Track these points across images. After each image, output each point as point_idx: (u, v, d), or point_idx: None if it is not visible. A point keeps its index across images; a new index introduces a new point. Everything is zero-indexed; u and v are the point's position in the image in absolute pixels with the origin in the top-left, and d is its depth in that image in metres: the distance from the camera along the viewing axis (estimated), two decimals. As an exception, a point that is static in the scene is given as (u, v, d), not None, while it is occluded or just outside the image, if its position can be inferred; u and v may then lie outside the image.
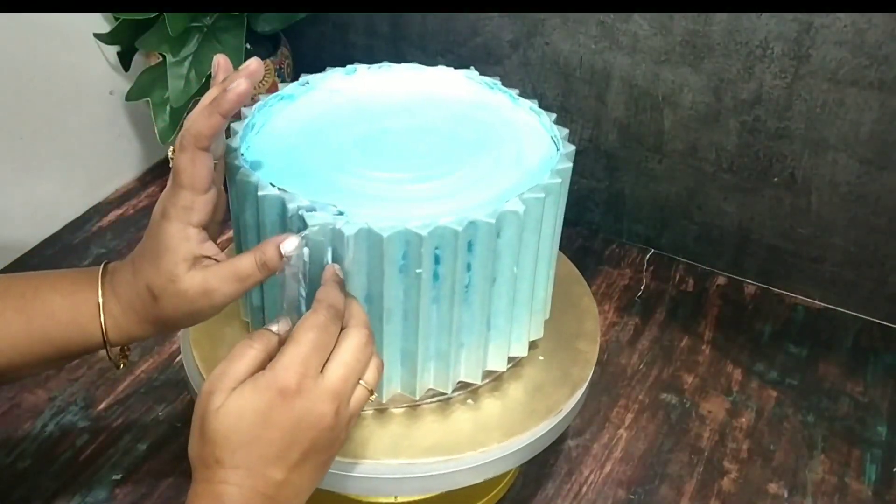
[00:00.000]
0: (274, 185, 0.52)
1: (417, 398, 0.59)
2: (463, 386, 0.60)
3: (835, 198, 0.87)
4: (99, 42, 0.95)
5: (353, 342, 0.48)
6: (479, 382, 0.60)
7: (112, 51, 0.97)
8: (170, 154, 0.51)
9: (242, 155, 0.55)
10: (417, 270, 0.52)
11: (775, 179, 0.89)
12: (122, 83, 0.99)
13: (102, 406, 0.78)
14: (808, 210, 0.89)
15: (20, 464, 0.72)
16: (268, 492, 0.46)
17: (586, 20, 0.89)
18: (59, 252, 0.95)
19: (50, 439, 0.74)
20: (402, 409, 0.60)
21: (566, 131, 0.60)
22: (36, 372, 0.56)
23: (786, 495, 0.73)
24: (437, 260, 0.52)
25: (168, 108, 0.89)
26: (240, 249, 0.57)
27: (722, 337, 0.89)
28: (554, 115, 0.61)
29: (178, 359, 0.82)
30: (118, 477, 0.71)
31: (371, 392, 0.49)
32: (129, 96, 0.92)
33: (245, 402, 0.45)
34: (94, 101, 0.98)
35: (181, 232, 0.49)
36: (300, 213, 0.50)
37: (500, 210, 0.52)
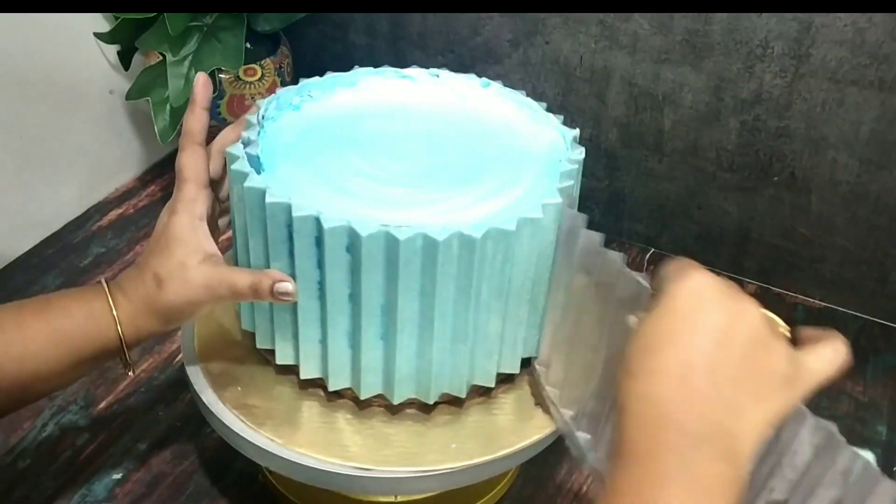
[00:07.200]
0: (250, 140, 0.56)
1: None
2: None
3: (835, 197, 0.87)
4: (99, 42, 0.95)
5: None
6: (393, 402, 0.58)
7: (112, 50, 0.97)
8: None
9: (263, 118, 0.59)
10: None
11: (775, 179, 0.89)
12: (122, 83, 0.99)
13: (102, 406, 0.78)
14: (809, 209, 0.89)
15: (20, 464, 0.72)
16: None
17: (586, 20, 0.88)
18: (59, 252, 0.95)
19: (50, 439, 0.74)
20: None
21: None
22: (61, 383, 0.57)
23: (786, 495, 0.73)
24: (320, 259, 0.52)
25: (168, 107, 0.89)
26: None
27: (722, 336, 0.88)
28: (580, 149, 0.59)
29: (178, 359, 0.82)
30: (118, 477, 0.71)
31: None
32: (129, 96, 0.92)
33: None
34: (94, 100, 0.98)
35: (190, 224, 0.54)
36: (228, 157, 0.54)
37: (378, 230, 0.50)
